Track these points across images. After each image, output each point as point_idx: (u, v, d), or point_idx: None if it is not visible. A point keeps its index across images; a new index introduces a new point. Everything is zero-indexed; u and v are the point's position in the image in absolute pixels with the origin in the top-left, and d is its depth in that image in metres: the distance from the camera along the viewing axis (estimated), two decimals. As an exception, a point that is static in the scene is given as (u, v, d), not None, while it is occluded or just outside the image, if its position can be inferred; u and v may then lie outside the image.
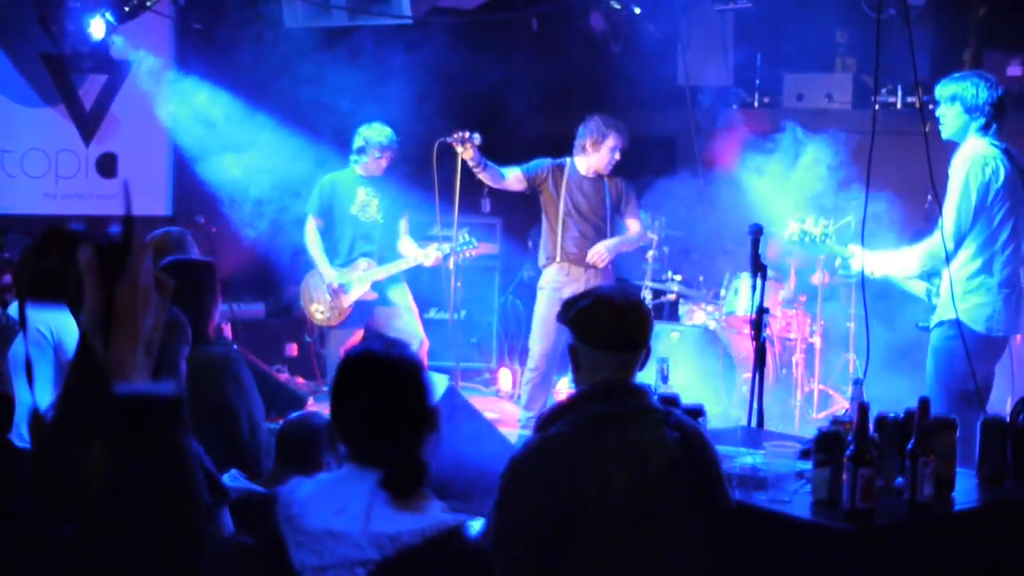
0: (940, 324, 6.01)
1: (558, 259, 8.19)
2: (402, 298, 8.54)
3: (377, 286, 8.45)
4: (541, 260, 8.35)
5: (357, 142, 8.45)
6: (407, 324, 8.45)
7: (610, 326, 3.57)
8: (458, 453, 6.87)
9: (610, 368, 3.57)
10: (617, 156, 8.19)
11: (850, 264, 6.21)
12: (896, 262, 6.22)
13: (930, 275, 6.20)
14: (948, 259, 5.81)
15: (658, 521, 3.44)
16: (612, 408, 3.52)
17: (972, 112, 5.98)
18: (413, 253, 8.49)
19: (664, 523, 3.44)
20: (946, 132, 6.09)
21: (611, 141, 8.12)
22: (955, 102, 6.00)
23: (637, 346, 3.61)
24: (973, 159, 5.94)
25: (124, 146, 9.79)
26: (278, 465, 4.44)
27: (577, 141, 8.23)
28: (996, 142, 6.03)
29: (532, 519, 3.40)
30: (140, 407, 1.89)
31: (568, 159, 8.28)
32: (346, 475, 2.85)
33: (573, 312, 3.63)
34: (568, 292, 7.00)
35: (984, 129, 5.99)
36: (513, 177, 8.24)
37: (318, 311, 8.56)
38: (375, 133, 8.41)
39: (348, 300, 8.44)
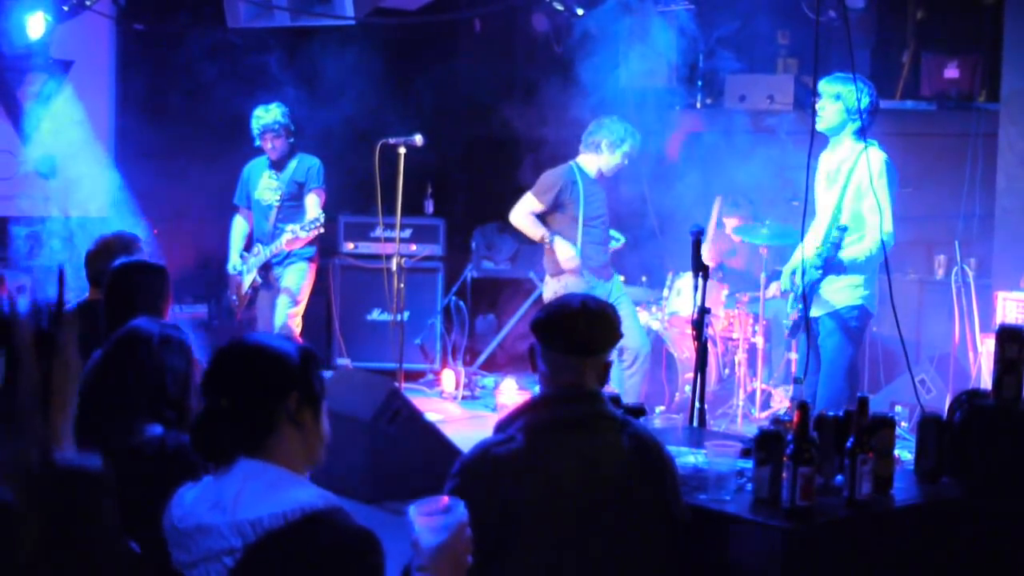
0: (856, 308, 6.56)
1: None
2: (288, 281, 8.61)
3: (273, 269, 8.60)
4: (550, 269, 7.96)
5: None
6: (278, 308, 8.59)
7: (572, 329, 3.52)
8: (402, 455, 6.87)
9: (571, 372, 3.52)
10: (626, 162, 8.00)
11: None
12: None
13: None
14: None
15: (610, 529, 3.41)
16: (566, 413, 3.48)
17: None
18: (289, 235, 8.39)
19: (616, 531, 3.42)
20: None
21: (627, 147, 7.92)
22: None
23: (597, 350, 3.56)
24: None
25: (63, 147, 9.67)
26: None
27: (590, 138, 7.93)
28: None
29: (479, 521, 3.39)
30: (75, 476, 2.12)
31: (572, 164, 7.98)
32: (223, 470, 2.81)
33: (538, 317, 3.62)
34: None
35: None
36: (538, 216, 7.91)
37: (233, 297, 8.87)
38: (257, 117, 8.45)
39: (243, 287, 8.71)
